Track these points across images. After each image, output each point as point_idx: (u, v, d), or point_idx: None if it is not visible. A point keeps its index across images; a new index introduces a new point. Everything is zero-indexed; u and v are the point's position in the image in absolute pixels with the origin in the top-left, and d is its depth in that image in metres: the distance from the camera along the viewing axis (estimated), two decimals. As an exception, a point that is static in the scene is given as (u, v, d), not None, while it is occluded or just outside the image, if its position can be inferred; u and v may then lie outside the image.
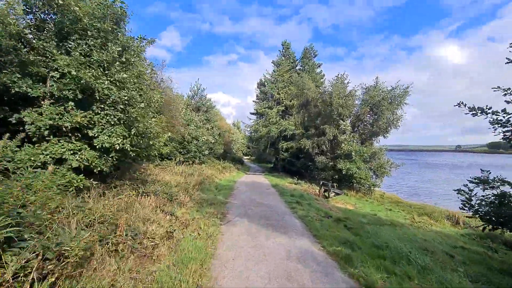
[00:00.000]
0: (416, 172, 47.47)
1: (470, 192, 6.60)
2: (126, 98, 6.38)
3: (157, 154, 8.78)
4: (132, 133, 6.47)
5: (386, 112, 20.50)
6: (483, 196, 6.43)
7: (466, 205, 6.57)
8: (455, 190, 6.88)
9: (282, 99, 31.04)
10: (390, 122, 20.68)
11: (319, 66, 34.56)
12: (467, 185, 6.68)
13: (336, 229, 7.40)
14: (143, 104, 6.88)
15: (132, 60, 6.84)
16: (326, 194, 15.25)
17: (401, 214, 13.45)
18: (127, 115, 6.52)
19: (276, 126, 29.71)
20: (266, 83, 32.91)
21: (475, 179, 6.60)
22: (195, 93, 27.71)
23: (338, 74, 21.87)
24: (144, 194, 7.16)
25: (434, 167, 62.79)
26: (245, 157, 68.97)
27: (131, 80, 6.73)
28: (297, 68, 34.89)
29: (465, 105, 6.22)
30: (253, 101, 33.51)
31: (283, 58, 34.14)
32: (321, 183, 16.03)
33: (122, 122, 6.47)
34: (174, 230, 5.50)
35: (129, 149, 6.35)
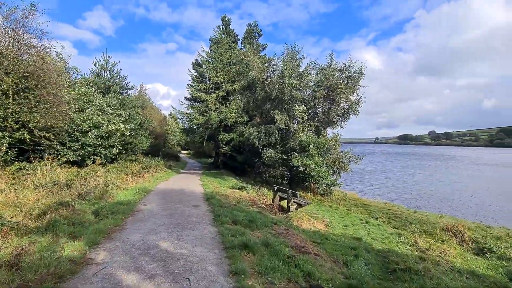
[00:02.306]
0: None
1: None
2: None
3: None
4: None
5: (343, 95, 16.79)
6: None
7: None
8: None
9: (222, 83, 25.33)
10: (349, 107, 17.08)
11: (264, 48, 29.74)
12: None
13: None
14: None
15: None
16: (284, 204, 10.44)
17: (386, 231, 9.45)
18: None
19: (215, 114, 23.97)
20: (202, 64, 26.67)
21: None
22: (103, 69, 19.96)
23: (289, 46, 17.22)
24: None
25: (360, 154, 65.70)
26: (184, 152, 61.20)
27: None
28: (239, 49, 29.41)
29: None
30: (188, 84, 26.95)
31: (222, 36, 28.24)
32: (275, 188, 11.09)
33: None
34: None
35: None
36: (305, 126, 16.41)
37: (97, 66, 19.60)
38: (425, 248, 7.30)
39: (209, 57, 26.71)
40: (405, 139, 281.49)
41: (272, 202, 10.95)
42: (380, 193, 22.83)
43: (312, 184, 15.85)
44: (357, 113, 17.14)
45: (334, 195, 15.62)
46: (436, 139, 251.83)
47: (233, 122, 23.41)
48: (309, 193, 15.70)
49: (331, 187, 15.52)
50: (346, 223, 10.13)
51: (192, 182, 15.13)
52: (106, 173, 12.46)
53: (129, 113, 18.90)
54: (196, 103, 27.16)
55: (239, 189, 13.41)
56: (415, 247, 7.53)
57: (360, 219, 10.96)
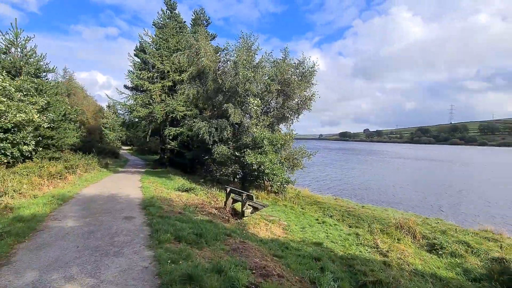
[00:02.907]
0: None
1: None
2: None
3: None
4: None
5: (297, 90, 16.33)
6: None
7: None
8: None
9: (169, 72, 22.82)
10: (302, 102, 16.70)
11: (213, 38, 27.85)
12: None
13: None
14: None
15: None
16: (238, 207, 9.28)
17: (342, 231, 9.04)
18: None
19: (161, 107, 21.43)
20: (146, 49, 23.61)
21: None
22: (12, 45, 15.83)
23: (244, 35, 15.96)
24: None
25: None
26: (126, 148, 55.31)
27: None
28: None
29: None
30: (129, 71, 23.56)
31: (167, 20, 25.44)
32: (228, 190, 9.79)
33: None
34: None
35: None
36: (259, 121, 15.47)
37: (2, 40, 15.38)
38: (385, 251, 6.95)
39: (154, 43, 23.79)
40: (344, 136, 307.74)
41: (225, 205, 9.67)
42: (328, 187, 23.49)
43: (265, 182, 15.05)
44: (310, 108, 16.90)
45: (288, 192, 15.10)
46: (369, 136, 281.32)
47: (181, 115, 21.24)
48: (262, 191, 14.87)
49: (285, 185, 14.95)
50: (303, 225, 9.46)
51: (129, 184, 12.87)
52: (7, 176, 9.51)
53: (48, 101, 15.37)
54: (138, 93, 24.03)
55: (187, 190, 11.75)
56: (376, 249, 7.15)
57: (316, 219, 10.46)
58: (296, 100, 16.43)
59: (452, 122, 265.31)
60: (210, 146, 16.02)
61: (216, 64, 16.37)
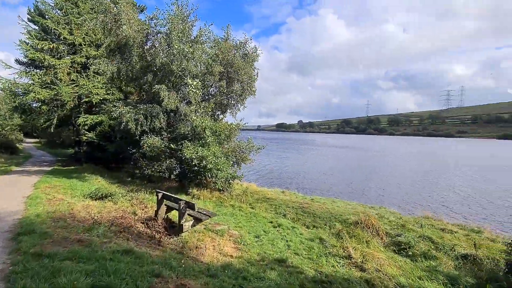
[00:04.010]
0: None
1: None
2: None
3: None
4: None
5: (241, 71, 14.37)
6: None
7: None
8: None
9: (81, 45, 17.92)
10: (246, 87, 14.82)
11: (142, 10, 23.32)
12: None
13: None
14: None
15: None
16: (174, 217, 6.92)
17: (302, 235, 7.62)
18: None
19: (71, 88, 16.64)
20: (45, 13, 17.99)
21: None
22: None
23: (178, 1, 12.87)
24: None
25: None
26: (31, 141, 44.62)
27: None
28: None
29: None
30: (20, 40, 17.60)
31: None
32: (159, 196, 7.21)
33: None
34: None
35: None
36: (200, 107, 12.96)
37: None
38: (360, 262, 5.74)
39: (57, 6, 18.33)
40: (281, 127, 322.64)
41: (155, 216, 7.16)
42: (273, 179, 22.62)
43: (208, 179, 12.82)
44: (254, 93, 15.19)
45: (235, 189, 13.22)
46: (303, 127, 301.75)
47: (99, 100, 16.94)
48: (205, 189, 12.61)
49: (231, 181, 13.02)
50: (257, 231, 7.72)
51: (11, 192, 8.94)
52: None
53: None
54: (36, 69, 18.32)
55: (101, 198, 8.61)
56: (349, 260, 5.89)
57: (270, 221, 8.88)
58: (240, 84, 14.42)
59: (368, 115, 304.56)
60: (138, 138, 12.83)
61: (142, 36, 12.99)
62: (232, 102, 15.09)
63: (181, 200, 6.42)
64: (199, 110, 12.69)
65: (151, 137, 12.62)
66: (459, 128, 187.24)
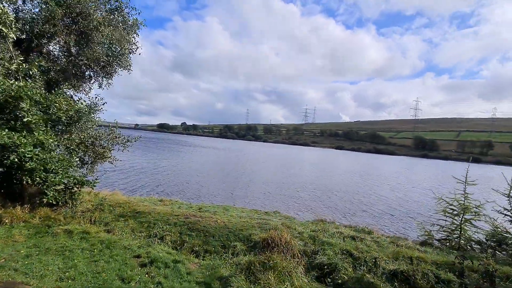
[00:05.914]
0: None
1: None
2: None
3: None
4: None
5: (104, 28, 9.77)
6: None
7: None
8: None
9: None
10: (116, 53, 10.24)
11: None
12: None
13: None
14: None
15: None
16: None
17: (192, 277, 4.62)
18: None
19: None
20: None
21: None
22: None
23: None
24: None
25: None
26: None
27: None
28: None
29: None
30: None
31: None
32: None
33: None
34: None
35: None
36: (13, 62, 7.37)
37: None
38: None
39: None
40: (163, 127, 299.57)
41: None
42: (145, 184, 18.08)
43: (28, 186, 7.49)
44: (129, 68, 10.82)
45: (84, 201, 8.42)
46: (186, 129, 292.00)
47: None
48: (18, 205, 7.22)
49: (76, 189, 8.17)
50: (106, 284, 4.09)
51: None
52: None
53: None
54: None
55: None
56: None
57: (137, 255, 5.28)
58: (100, 47, 9.69)
59: (248, 123, 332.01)
60: None
61: None
62: (88, 72, 10.07)
63: None
64: (11, 67, 7.17)
65: None
66: (312, 139, 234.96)
